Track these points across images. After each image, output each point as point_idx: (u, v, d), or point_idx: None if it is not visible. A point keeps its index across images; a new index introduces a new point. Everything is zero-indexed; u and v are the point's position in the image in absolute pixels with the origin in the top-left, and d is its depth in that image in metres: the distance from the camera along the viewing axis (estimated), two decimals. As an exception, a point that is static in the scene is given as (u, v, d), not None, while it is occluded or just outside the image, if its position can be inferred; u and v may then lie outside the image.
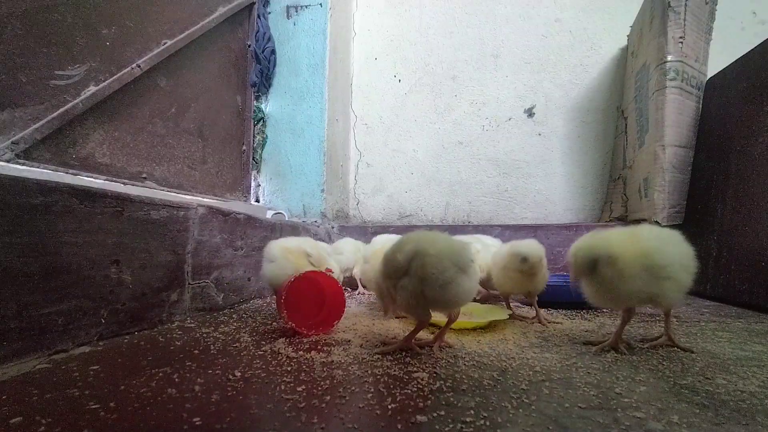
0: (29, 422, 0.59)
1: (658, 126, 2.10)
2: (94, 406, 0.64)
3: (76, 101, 1.52)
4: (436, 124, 2.99)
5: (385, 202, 3.04)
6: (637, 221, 2.37)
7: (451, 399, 0.68)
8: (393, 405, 0.65)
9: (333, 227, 2.67)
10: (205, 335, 1.10)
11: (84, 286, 0.98)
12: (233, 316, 1.39)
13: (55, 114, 1.44)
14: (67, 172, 1.46)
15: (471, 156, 2.94)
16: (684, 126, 2.08)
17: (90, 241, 1.00)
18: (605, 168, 2.79)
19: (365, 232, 2.68)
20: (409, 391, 0.71)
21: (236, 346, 1.00)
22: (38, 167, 1.34)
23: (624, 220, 2.57)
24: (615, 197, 2.65)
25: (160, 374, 0.79)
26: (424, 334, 1.14)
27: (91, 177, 1.56)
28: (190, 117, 2.15)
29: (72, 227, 0.96)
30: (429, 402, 0.67)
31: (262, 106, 2.77)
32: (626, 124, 2.61)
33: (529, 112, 2.86)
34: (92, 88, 1.59)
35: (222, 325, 1.23)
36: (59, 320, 0.91)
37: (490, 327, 1.25)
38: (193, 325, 1.23)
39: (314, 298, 1.25)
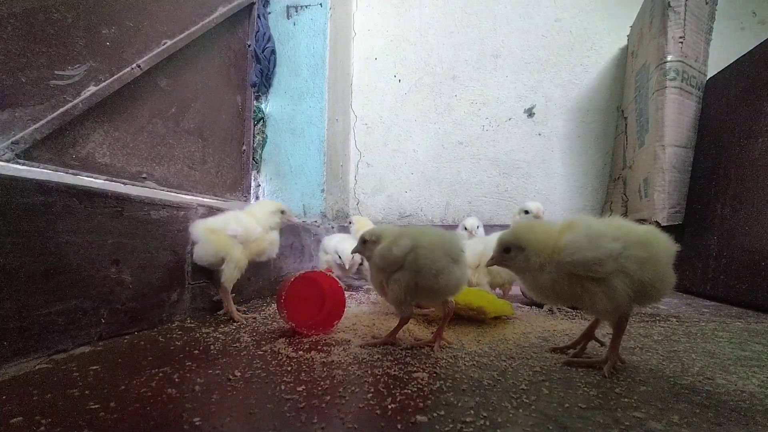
0: (29, 422, 0.59)
1: (658, 126, 2.10)
2: (94, 406, 0.64)
3: (76, 101, 1.52)
4: (436, 124, 2.99)
5: (385, 202, 3.04)
6: (638, 221, 2.37)
7: (451, 399, 0.68)
8: (393, 405, 0.65)
9: (333, 227, 2.67)
10: (205, 335, 1.10)
11: (84, 286, 0.98)
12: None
13: (55, 114, 1.43)
14: (67, 172, 1.46)
15: (471, 156, 2.94)
16: (684, 126, 2.08)
17: (90, 241, 1.00)
18: (605, 168, 2.79)
19: (365, 232, 2.68)
20: (409, 391, 0.71)
21: (236, 346, 1.00)
22: (38, 167, 1.34)
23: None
24: (615, 197, 2.65)
25: (160, 374, 0.79)
26: (424, 334, 1.14)
27: (91, 177, 1.56)
28: (190, 117, 2.15)
29: (72, 227, 0.96)
30: (429, 402, 0.67)
31: (262, 106, 2.76)
32: (626, 124, 2.61)
33: (529, 112, 2.86)
34: (92, 88, 1.59)
35: (222, 325, 1.23)
36: (59, 320, 0.91)
37: (490, 326, 1.25)
38: (193, 325, 1.23)
39: (314, 298, 1.25)
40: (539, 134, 2.85)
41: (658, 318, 1.40)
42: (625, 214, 2.55)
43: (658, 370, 0.85)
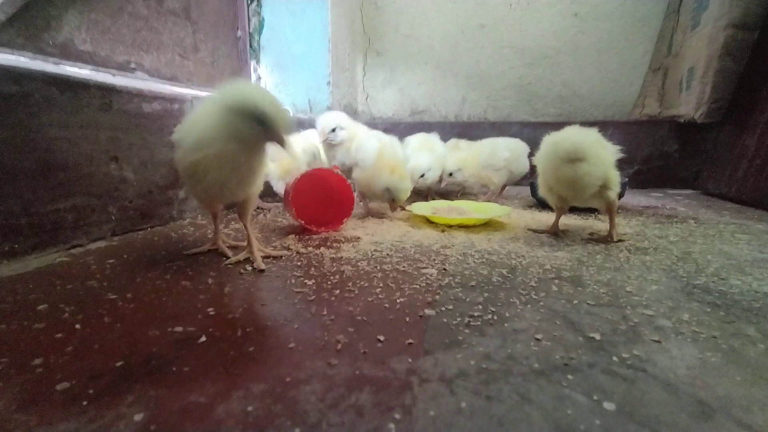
0: (54, 309, 0.61)
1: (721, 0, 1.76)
2: (112, 297, 0.66)
3: (36, -28, 1.30)
4: (455, 2, 2.59)
5: (396, 96, 2.82)
6: (671, 118, 2.17)
7: (460, 294, 0.69)
8: (402, 299, 0.66)
9: (341, 125, 2.54)
10: (216, 231, 1.12)
11: (86, 183, 0.95)
12: (244, 213, 1.39)
13: (15, -12, 1.24)
14: (46, 61, 1.33)
15: (493, 42, 2.60)
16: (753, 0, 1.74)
17: (81, 135, 0.94)
18: (645, 57, 2.45)
19: (374, 127, 2.55)
20: (418, 286, 0.72)
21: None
22: (11, 54, 1.21)
23: (656, 117, 2.37)
24: (651, 91, 2.40)
25: (175, 267, 0.81)
26: (433, 233, 1.14)
27: (75, 67, 1.42)
28: (174, -6, 1.87)
29: (58, 120, 0.89)
30: (437, 297, 0.68)
31: (255, -19, 2.39)
32: (681, 1, 2.21)
33: (567, -14, 2.42)
34: (52, -45, 1.34)
35: (233, 222, 1.24)
36: (69, 217, 0.91)
37: (499, 226, 1.24)
38: (204, 221, 1.24)
39: (322, 195, 1.22)
40: (575, 14, 2.46)
41: (675, 219, 1.36)
42: (658, 111, 2.34)
43: (672, 270, 0.84)
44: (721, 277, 0.79)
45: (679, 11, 2.22)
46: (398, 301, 0.66)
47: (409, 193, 1.30)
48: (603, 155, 1.02)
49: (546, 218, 1.38)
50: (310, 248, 0.96)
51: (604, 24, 2.44)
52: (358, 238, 1.07)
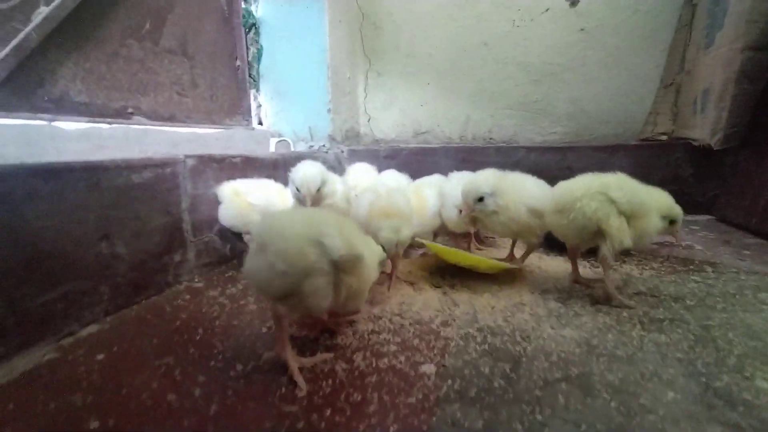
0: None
1: (738, 20, 1.67)
2: (93, 427, 0.63)
3: (28, 29, 1.29)
4: (456, 20, 2.52)
5: (398, 117, 2.76)
6: (685, 140, 2.08)
7: (458, 413, 0.64)
8: (395, 425, 0.62)
9: (342, 151, 2.50)
10: (210, 301, 1.09)
11: (75, 268, 0.93)
12: (241, 269, 1.37)
13: (7, 50, 1.23)
14: (43, 118, 1.31)
15: (497, 60, 2.53)
16: (773, 19, 1.64)
17: (69, 221, 0.92)
18: (656, 70, 2.34)
19: (377, 155, 2.51)
20: (414, 400, 0.68)
21: (239, 321, 0.97)
22: (7, 117, 1.20)
23: (669, 134, 2.27)
24: (663, 108, 2.30)
25: (164, 368, 0.78)
26: (434, 301, 1.09)
27: (70, 121, 1.41)
28: (169, 32, 1.85)
29: (44, 211, 0.87)
30: (434, 417, 0.63)
31: (252, 9, 2.36)
32: (693, 14, 2.11)
33: (572, 1, 2.34)
34: (44, 9, 1.33)
35: (229, 285, 1.21)
36: (58, 306, 0.89)
37: (506, 284, 1.18)
38: (201, 285, 1.21)
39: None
40: (582, 29, 2.37)
41: (692, 267, 1.29)
42: (671, 130, 2.25)
43: (689, 360, 0.78)
44: (744, 375, 0.73)
45: (691, 25, 2.12)
46: (391, 429, 0.61)
47: (402, 244, 1.07)
48: (585, 209, 0.99)
49: (553, 264, 1.32)
50: (305, 332, 0.92)
51: (612, 39, 2.35)
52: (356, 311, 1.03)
